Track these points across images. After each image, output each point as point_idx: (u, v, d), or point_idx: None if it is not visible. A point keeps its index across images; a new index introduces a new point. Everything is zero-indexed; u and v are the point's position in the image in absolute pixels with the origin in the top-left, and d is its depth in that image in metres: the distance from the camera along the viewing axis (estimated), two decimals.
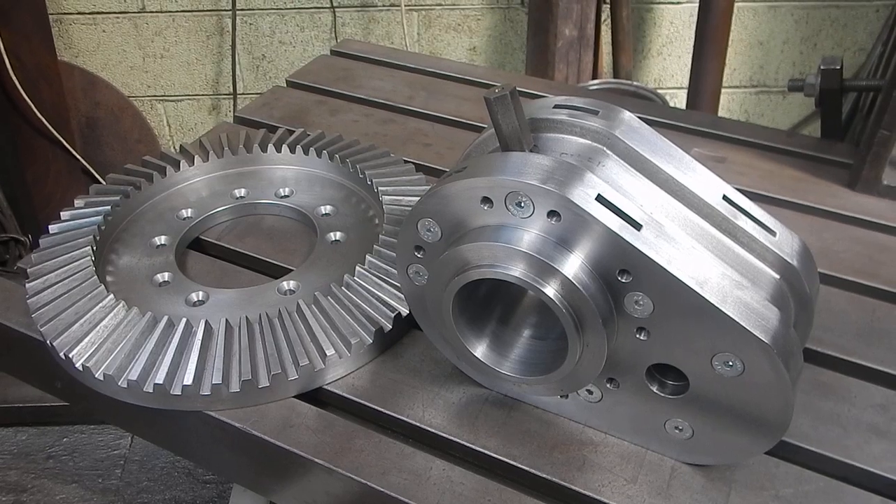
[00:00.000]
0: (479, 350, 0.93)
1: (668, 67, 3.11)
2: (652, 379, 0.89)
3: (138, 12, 2.99)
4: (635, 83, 2.65)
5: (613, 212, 0.79)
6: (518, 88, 1.58)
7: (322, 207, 1.30)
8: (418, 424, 0.99)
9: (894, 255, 1.26)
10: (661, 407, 0.90)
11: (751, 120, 3.21)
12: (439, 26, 3.01)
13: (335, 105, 1.66)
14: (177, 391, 0.98)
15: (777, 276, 0.89)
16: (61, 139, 2.80)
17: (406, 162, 1.38)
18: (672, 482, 0.91)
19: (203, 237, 1.30)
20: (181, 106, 3.26)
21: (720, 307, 0.77)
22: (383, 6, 2.97)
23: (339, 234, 1.25)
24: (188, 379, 0.98)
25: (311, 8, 2.99)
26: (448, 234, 0.89)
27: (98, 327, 1.04)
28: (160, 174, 1.32)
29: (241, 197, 1.34)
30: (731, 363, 0.80)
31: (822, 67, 1.39)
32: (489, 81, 1.75)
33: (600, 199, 0.80)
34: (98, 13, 2.99)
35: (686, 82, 2.64)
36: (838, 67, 1.38)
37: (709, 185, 0.90)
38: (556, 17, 2.69)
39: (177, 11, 3.00)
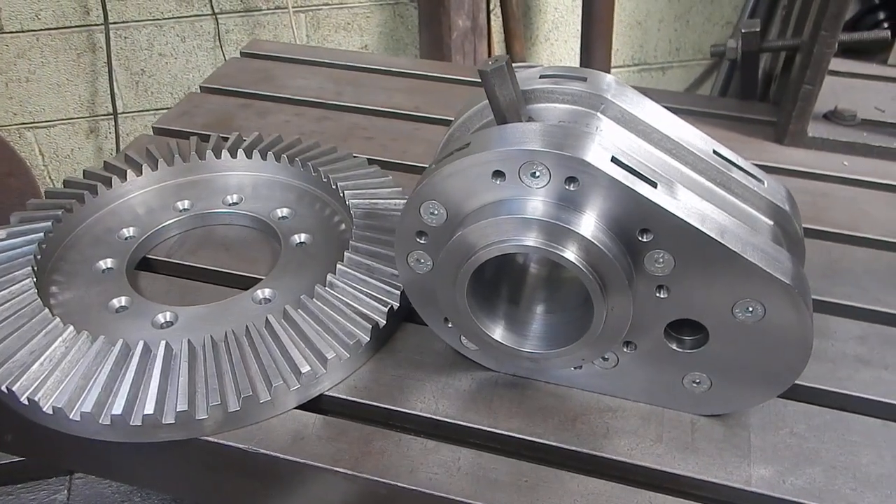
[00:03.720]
0: (498, 332, 0.91)
1: (556, 52, 3.19)
2: (669, 337, 0.89)
3: None
4: (540, 64, 2.70)
5: (630, 172, 0.79)
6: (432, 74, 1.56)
7: (278, 210, 1.23)
8: (434, 417, 0.95)
9: (833, 199, 1.34)
10: (679, 363, 0.91)
11: None
12: (328, 27, 2.95)
13: (261, 107, 1.58)
14: (169, 419, 0.89)
15: (771, 223, 0.92)
16: None
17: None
18: (695, 435, 0.93)
19: (151, 256, 1.20)
20: (54, 132, 3.01)
21: (742, 254, 0.79)
22: (268, 10, 2.86)
23: (303, 236, 1.18)
24: (181, 404, 0.90)
25: (190, 16, 2.84)
26: (453, 216, 0.86)
27: (62, 363, 0.93)
28: (91, 193, 1.21)
29: (186, 209, 1.25)
30: (751, 309, 0.82)
31: (742, 31, 1.46)
32: (413, 71, 1.73)
33: (615, 160, 0.79)
34: None
35: (576, 66, 2.71)
36: (758, 30, 1.44)
37: (699, 142, 0.92)
38: (448, 9, 2.69)
39: (41, 30, 2.77)
